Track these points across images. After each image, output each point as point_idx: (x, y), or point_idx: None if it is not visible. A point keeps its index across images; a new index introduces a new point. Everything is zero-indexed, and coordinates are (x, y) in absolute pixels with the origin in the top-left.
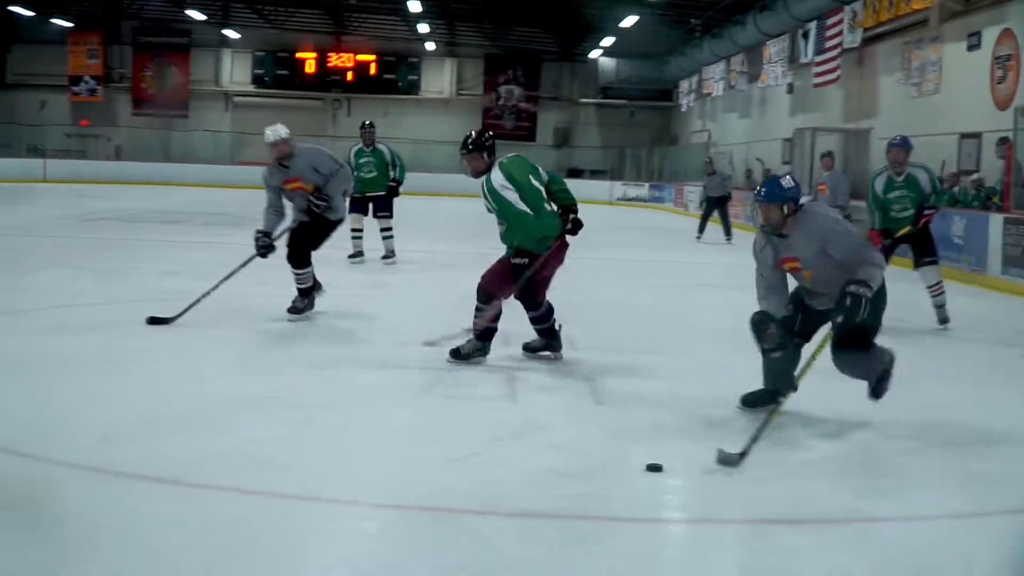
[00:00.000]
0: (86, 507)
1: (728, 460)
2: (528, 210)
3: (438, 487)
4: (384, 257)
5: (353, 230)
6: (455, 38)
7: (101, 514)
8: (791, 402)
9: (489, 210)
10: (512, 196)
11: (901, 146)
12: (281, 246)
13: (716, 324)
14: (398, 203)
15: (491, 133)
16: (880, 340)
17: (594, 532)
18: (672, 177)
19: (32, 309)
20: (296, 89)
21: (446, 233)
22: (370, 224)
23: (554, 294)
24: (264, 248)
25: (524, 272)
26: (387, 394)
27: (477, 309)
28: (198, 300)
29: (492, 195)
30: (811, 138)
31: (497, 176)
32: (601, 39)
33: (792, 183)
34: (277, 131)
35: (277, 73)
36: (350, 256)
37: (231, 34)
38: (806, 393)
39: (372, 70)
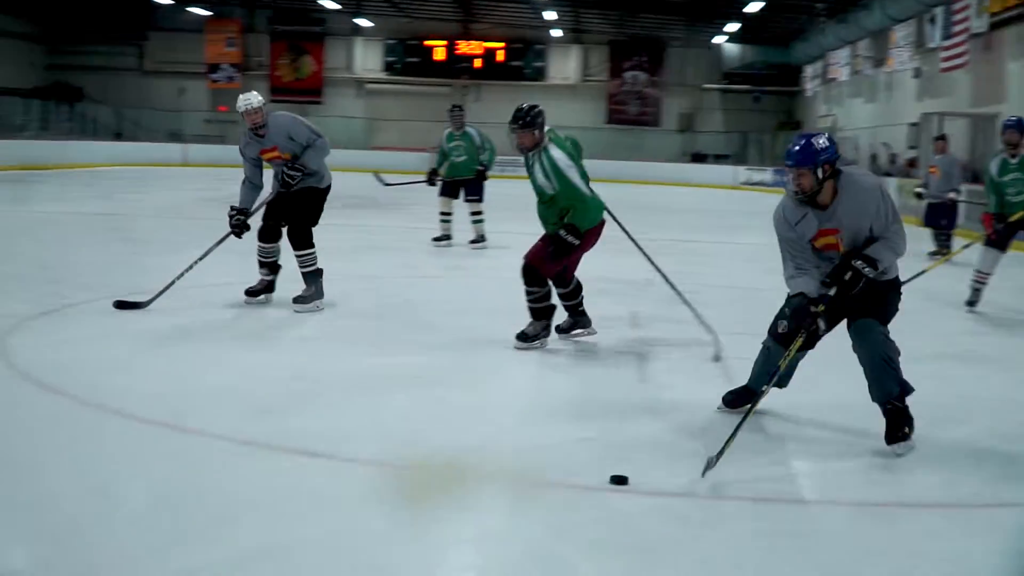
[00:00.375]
0: (241, 479)
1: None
2: (585, 189)
3: (576, 463)
4: (473, 241)
5: (442, 213)
6: (581, 25)
7: (253, 487)
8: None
9: (541, 188)
10: (573, 175)
11: (1015, 127)
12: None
13: None
14: (497, 186)
15: (541, 108)
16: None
17: (732, 513)
18: None
19: (183, 287)
20: (426, 76)
21: None
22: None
23: (689, 276)
24: (238, 227)
25: (572, 250)
26: (503, 371)
27: (528, 292)
28: (172, 283)
29: (556, 173)
30: (938, 123)
31: (559, 154)
32: (726, 24)
33: (826, 143)
34: (249, 99)
35: (407, 60)
36: (435, 239)
37: (363, 23)
38: (929, 378)
39: (499, 57)
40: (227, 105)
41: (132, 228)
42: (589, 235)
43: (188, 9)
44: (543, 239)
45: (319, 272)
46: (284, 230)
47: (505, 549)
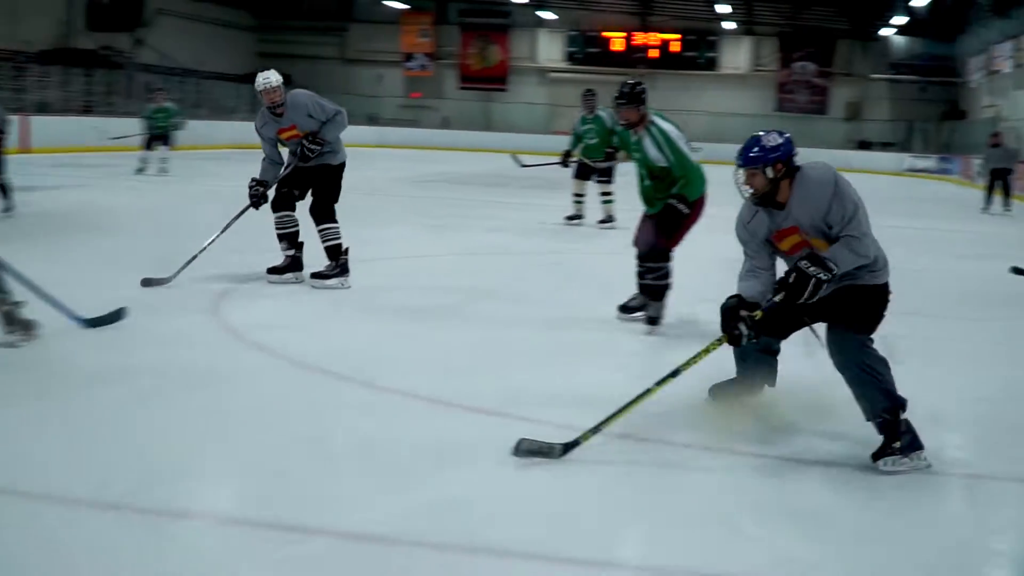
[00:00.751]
0: (432, 434)
1: (550, 452)
2: (693, 160)
3: (752, 436)
4: (601, 221)
5: (575, 195)
6: (752, 17)
7: (443, 441)
8: None
9: (653, 161)
10: (683, 145)
11: None
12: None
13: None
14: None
15: (645, 85)
16: None
17: (902, 483)
18: (960, 150)
19: (382, 258)
20: (604, 65)
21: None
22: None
23: None
24: (256, 197)
25: (683, 219)
26: (647, 352)
27: (650, 270)
28: (194, 257)
29: (668, 143)
30: None
31: (668, 126)
32: (892, 17)
33: (777, 141)
34: (268, 78)
35: (587, 51)
36: (567, 217)
37: (547, 15)
38: None
39: (674, 47)
40: (420, 92)
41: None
42: (701, 207)
43: (385, 3)
44: (646, 219)
45: (341, 248)
46: (298, 205)
47: (673, 505)
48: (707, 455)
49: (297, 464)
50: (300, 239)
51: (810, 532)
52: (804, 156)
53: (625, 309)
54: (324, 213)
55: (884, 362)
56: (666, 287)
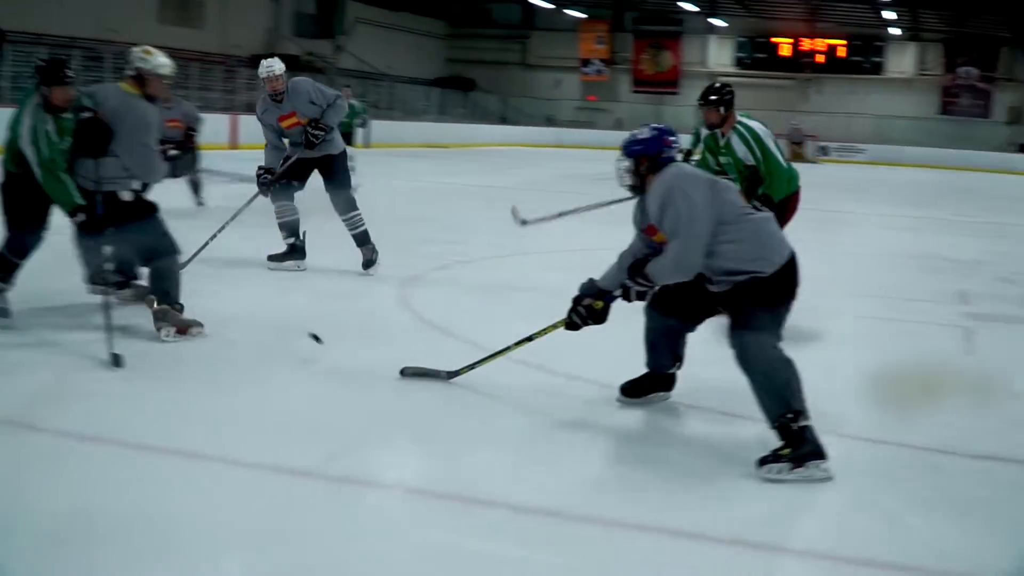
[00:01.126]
0: (596, 418)
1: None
2: (783, 160)
3: (911, 428)
4: None
5: None
6: (918, 24)
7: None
8: None
9: (741, 160)
10: (772, 143)
11: None
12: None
13: None
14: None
15: (730, 88)
16: None
17: None
18: None
19: (557, 251)
20: (772, 69)
21: (908, 199)
22: None
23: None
24: (264, 184)
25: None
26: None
27: None
28: (204, 245)
29: (756, 141)
30: None
31: (757, 124)
32: None
33: (648, 136)
34: (272, 66)
35: (755, 56)
36: None
37: (717, 22)
38: None
39: (840, 53)
40: (596, 95)
41: (511, 198)
42: (785, 207)
43: (565, 11)
44: None
45: (368, 233)
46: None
47: (833, 494)
48: (866, 446)
49: (470, 442)
50: (303, 228)
51: (968, 523)
52: (966, 159)
53: None
54: (345, 204)
55: (786, 364)
56: None
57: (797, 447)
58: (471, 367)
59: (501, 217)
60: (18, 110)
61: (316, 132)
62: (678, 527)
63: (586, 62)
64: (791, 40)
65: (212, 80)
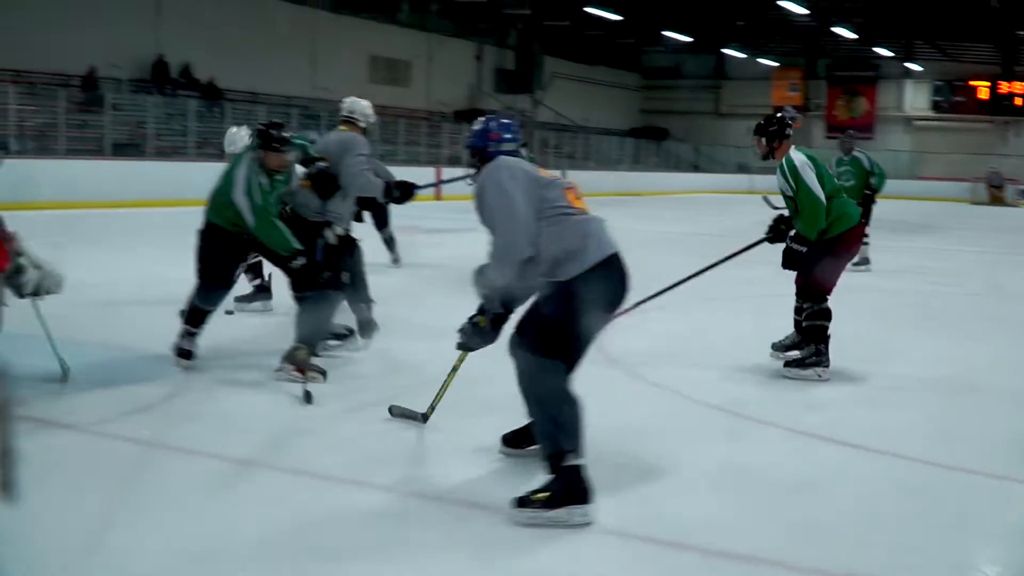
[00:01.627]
0: (792, 462)
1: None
2: (823, 197)
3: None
4: (855, 264)
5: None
6: None
7: (801, 470)
8: None
9: (781, 191)
10: (808, 174)
11: None
12: None
13: None
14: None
15: (779, 117)
16: None
17: None
18: None
19: (757, 296)
20: (968, 113)
21: None
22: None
23: None
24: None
25: (826, 259)
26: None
27: (799, 310)
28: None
29: (792, 172)
30: None
31: (799, 156)
32: None
33: (481, 128)
34: (234, 142)
35: (952, 99)
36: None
37: (913, 67)
38: None
39: None
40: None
41: (709, 244)
42: (840, 246)
43: (758, 60)
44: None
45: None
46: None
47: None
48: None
49: (657, 485)
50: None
51: None
52: None
53: (778, 346)
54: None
55: (564, 396)
56: (815, 329)
57: (558, 488)
58: (432, 408)
59: (696, 263)
60: (231, 164)
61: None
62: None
63: (779, 109)
64: (988, 83)
65: (418, 135)
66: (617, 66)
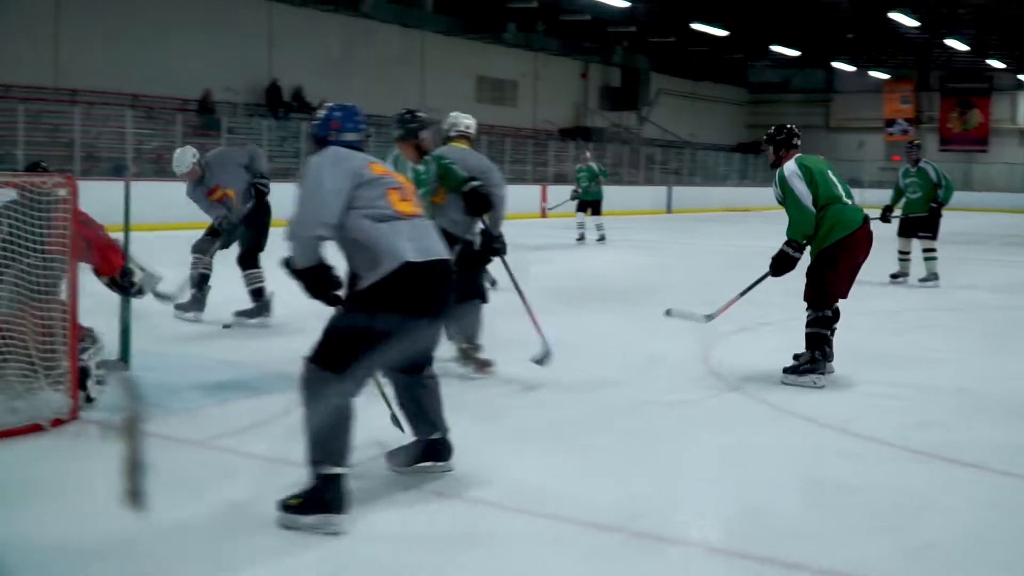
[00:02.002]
0: (908, 482)
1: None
2: (810, 205)
3: None
4: (923, 280)
5: (900, 252)
6: None
7: (917, 490)
8: None
9: (776, 200)
10: (796, 183)
11: None
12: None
13: None
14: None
15: (788, 128)
16: None
17: None
18: None
19: (863, 312)
20: None
21: None
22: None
23: None
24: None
25: (791, 263)
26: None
27: (814, 321)
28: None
29: (782, 183)
30: None
31: (791, 165)
32: None
33: (323, 114)
34: (181, 167)
35: None
36: (892, 275)
37: None
38: None
39: None
40: (900, 155)
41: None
42: (841, 252)
43: (869, 73)
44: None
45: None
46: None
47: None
48: None
49: (777, 502)
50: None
51: None
52: None
53: (788, 371)
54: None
55: (336, 413)
56: (815, 336)
57: (311, 496)
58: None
59: (799, 278)
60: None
61: (262, 182)
62: None
63: (890, 122)
64: None
65: (524, 153)
66: (723, 81)
